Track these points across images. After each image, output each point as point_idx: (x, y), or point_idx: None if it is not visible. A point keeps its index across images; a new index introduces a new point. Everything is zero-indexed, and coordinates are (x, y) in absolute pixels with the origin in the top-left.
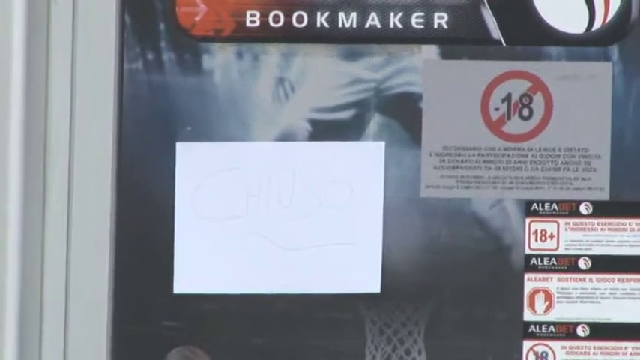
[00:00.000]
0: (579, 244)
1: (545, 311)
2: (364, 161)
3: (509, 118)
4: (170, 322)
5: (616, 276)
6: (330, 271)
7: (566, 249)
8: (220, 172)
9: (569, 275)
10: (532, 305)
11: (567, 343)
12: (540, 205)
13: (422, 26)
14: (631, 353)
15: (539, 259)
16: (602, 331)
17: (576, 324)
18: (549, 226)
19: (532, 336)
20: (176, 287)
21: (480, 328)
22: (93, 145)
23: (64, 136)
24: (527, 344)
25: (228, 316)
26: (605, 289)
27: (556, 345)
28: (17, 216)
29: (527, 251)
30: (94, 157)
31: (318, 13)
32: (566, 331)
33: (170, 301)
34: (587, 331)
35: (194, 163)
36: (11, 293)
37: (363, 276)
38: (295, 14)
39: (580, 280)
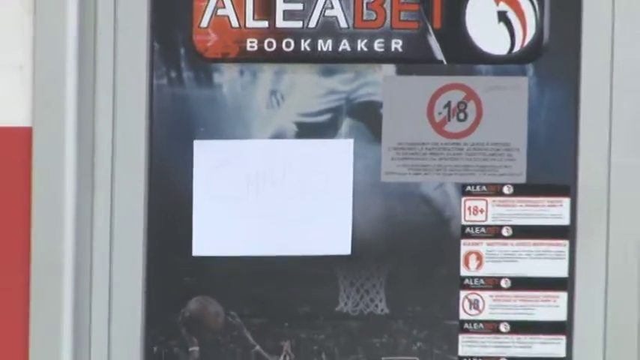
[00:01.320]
0: (503, 217)
1: (477, 268)
2: (337, 155)
3: (449, 120)
4: (190, 278)
5: (531, 241)
6: (311, 239)
7: (493, 220)
8: (227, 162)
9: (495, 241)
10: (467, 264)
11: (494, 293)
12: (473, 187)
13: (382, 49)
14: (542, 300)
15: (472, 229)
16: (520, 283)
17: (500, 278)
18: (480, 203)
19: (467, 287)
20: (195, 251)
21: (427, 281)
22: (130, 143)
23: (108, 136)
24: (463, 293)
25: (235, 273)
26: (523, 251)
27: (485, 294)
28: (72, 202)
29: (463, 222)
30: (131, 152)
31: (302, 40)
32: (492, 283)
33: (190, 262)
34: (509, 284)
35: (207, 156)
36: (68, 250)
37: (337, 242)
38: (284, 41)
39: (503, 244)
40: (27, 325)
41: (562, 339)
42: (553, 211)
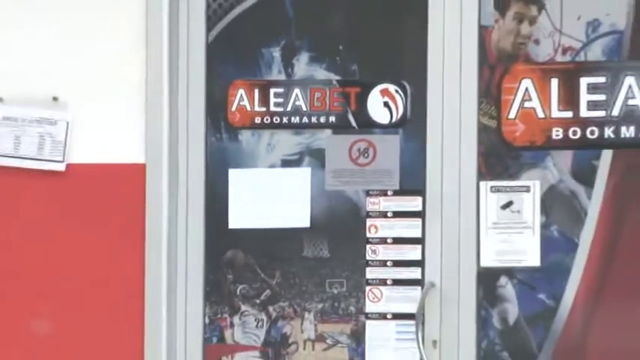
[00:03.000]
0: (387, 207)
1: (375, 233)
2: (302, 176)
3: (359, 157)
4: (227, 240)
5: (403, 219)
6: (290, 218)
7: (383, 209)
8: (250, 183)
9: (384, 219)
10: (369, 230)
11: (383, 245)
12: (372, 191)
13: (324, 120)
14: (408, 249)
15: (372, 212)
16: (398, 241)
17: (387, 238)
18: (375, 199)
19: (370, 242)
20: (230, 225)
21: (349, 240)
22: (195, 170)
23: (184, 164)
24: (368, 246)
25: (251, 236)
26: (399, 224)
27: (379, 247)
28: (166, 202)
29: (367, 209)
30: (196, 174)
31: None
32: (383, 242)
33: (228, 232)
34: (392, 240)
35: (240, 182)
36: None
37: (303, 220)
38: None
39: (388, 221)
40: (143, 296)
41: (419, 269)
42: (413, 203)
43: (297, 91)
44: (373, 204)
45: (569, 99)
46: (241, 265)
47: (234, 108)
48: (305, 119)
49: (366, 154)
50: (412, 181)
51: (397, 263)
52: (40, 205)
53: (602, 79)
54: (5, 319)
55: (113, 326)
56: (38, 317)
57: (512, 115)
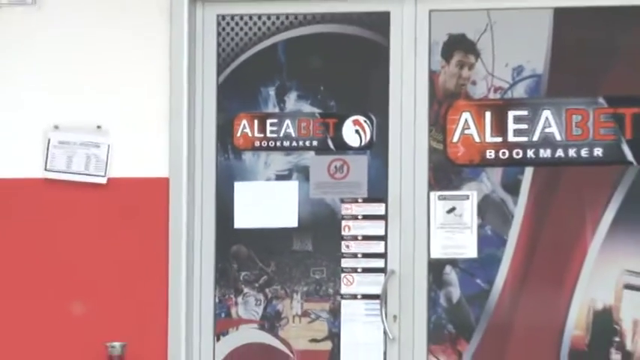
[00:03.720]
0: (358, 211)
1: (348, 231)
2: (291, 188)
3: (336, 173)
4: (233, 237)
5: (370, 221)
6: (282, 219)
7: (355, 212)
8: (252, 193)
9: (356, 220)
10: (344, 230)
11: (355, 241)
12: (346, 199)
13: (308, 144)
14: (373, 245)
15: (346, 215)
16: (366, 237)
17: (357, 235)
18: (349, 205)
19: (344, 239)
20: (235, 225)
21: (328, 237)
22: (208, 182)
23: (199, 178)
24: (342, 242)
25: (252, 235)
26: (367, 224)
27: (351, 242)
28: (185, 208)
29: (342, 214)
30: (209, 186)
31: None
32: (355, 238)
33: (234, 231)
34: (362, 237)
35: (245, 193)
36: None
37: (292, 221)
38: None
39: (359, 222)
40: (167, 282)
41: (382, 260)
42: (378, 208)
43: (287, 121)
44: (347, 209)
45: (499, 127)
46: (244, 257)
47: (238, 134)
48: (294, 143)
49: (341, 170)
50: (377, 191)
51: (365, 255)
52: (87, 210)
53: (524, 112)
54: (65, 294)
55: (144, 305)
56: (88, 295)
57: (455, 139)
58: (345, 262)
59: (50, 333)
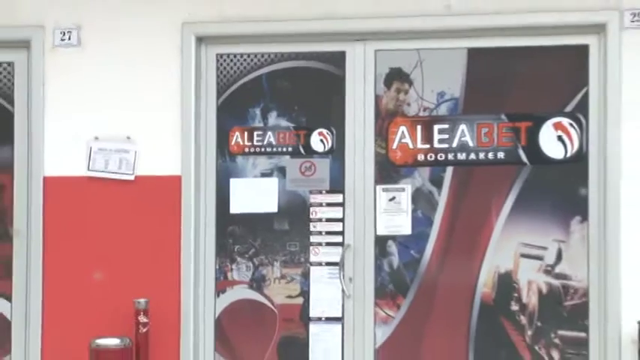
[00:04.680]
0: (322, 199)
1: (315, 215)
2: (273, 183)
3: (305, 171)
4: (229, 220)
5: (332, 207)
6: (264, 206)
7: (320, 201)
8: (243, 187)
9: (321, 207)
10: (311, 215)
11: (321, 222)
12: (314, 190)
13: (285, 150)
14: (334, 227)
15: (314, 204)
16: (329, 219)
17: (322, 218)
18: (317, 195)
19: (312, 221)
20: (231, 210)
21: (300, 220)
22: (211, 179)
23: (204, 176)
24: (310, 223)
25: (245, 218)
26: (331, 210)
27: (318, 224)
28: (193, 198)
29: (310, 202)
30: (211, 181)
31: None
32: (319, 219)
33: (230, 215)
34: (325, 220)
35: (238, 187)
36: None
37: (272, 207)
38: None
39: (325, 207)
40: (179, 255)
41: (340, 237)
42: (337, 198)
43: (269, 133)
44: (314, 198)
45: (427, 137)
46: (237, 235)
47: (233, 143)
48: (274, 149)
49: (309, 170)
50: (336, 185)
51: (328, 233)
52: (119, 200)
53: (446, 126)
54: (104, 263)
55: (162, 271)
56: (121, 264)
57: (394, 146)
58: (313, 238)
59: (94, 292)
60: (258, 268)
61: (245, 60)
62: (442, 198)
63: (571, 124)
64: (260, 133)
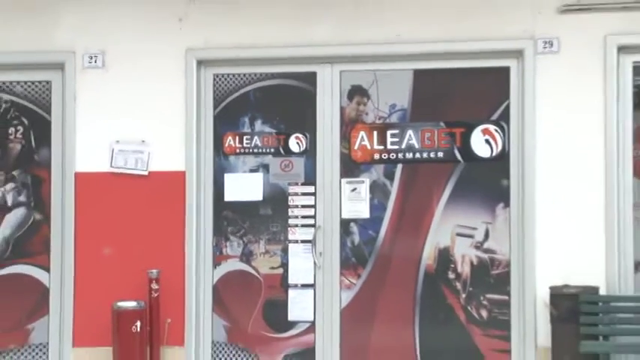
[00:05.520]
0: (298, 189)
1: (293, 203)
2: (258, 177)
3: (285, 168)
4: (224, 205)
5: (306, 195)
6: (251, 194)
7: (297, 191)
8: (235, 180)
9: (297, 195)
10: (289, 203)
11: (298, 209)
12: (291, 182)
13: (268, 151)
14: (306, 212)
15: (291, 194)
16: (304, 206)
17: (298, 204)
18: (294, 186)
19: (291, 207)
20: (225, 198)
21: (281, 207)
22: (209, 174)
23: (203, 171)
24: (289, 209)
25: (238, 204)
26: (305, 199)
27: (295, 209)
28: (195, 190)
29: (288, 192)
30: (209, 176)
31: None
32: (297, 206)
33: (224, 202)
34: (301, 206)
35: (231, 180)
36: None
37: (257, 195)
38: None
39: (299, 197)
40: (184, 234)
41: (313, 219)
42: (310, 188)
43: (256, 137)
44: (292, 189)
45: (382, 140)
46: (230, 218)
47: (226, 145)
48: (260, 150)
49: (288, 167)
50: (309, 178)
51: (303, 217)
52: (136, 191)
53: (396, 131)
54: (124, 242)
55: (170, 247)
56: (137, 242)
57: (356, 147)
58: (291, 221)
59: (115, 264)
60: (247, 245)
61: (236, 79)
62: (394, 189)
63: (496, 130)
64: (248, 137)
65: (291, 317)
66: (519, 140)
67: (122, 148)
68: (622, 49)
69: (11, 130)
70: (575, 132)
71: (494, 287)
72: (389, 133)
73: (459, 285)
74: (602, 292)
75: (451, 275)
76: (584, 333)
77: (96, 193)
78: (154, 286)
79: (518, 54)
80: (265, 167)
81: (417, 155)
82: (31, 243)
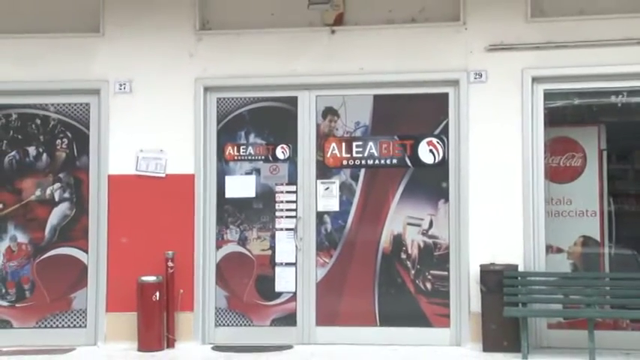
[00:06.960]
0: (282, 188)
1: (280, 200)
2: (251, 179)
3: (273, 171)
4: (225, 200)
5: (289, 194)
6: (245, 191)
7: (282, 189)
8: (233, 181)
9: (283, 194)
10: (276, 200)
11: (284, 203)
12: (278, 182)
13: (259, 158)
14: (289, 207)
15: (278, 191)
16: (288, 203)
17: (284, 200)
18: (280, 187)
19: (277, 202)
20: (226, 195)
21: (269, 203)
22: (213, 177)
23: (209, 174)
24: (276, 204)
25: (238, 200)
26: (291, 195)
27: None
28: (202, 189)
29: (275, 190)
30: (213, 178)
31: (363, 160)
32: (284, 201)
33: (225, 199)
34: (288, 204)
35: (230, 181)
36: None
37: (250, 193)
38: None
39: (278, 196)
40: (193, 225)
41: (295, 212)
42: (292, 187)
43: (250, 147)
44: (278, 188)
45: (349, 150)
46: (230, 211)
47: (227, 153)
48: (253, 157)
49: (276, 170)
50: (292, 180)
51: (287, 210)
52: (155, 190)
53: (360, 143)
54: (146, 231)
55: (183, 234)
56: (156, 231)
57: (328, 155)
58: (278, 213)
59: (139, 247)
60: (243, 232)
61: (234, 101)
62: (358, 188)
63: (438, 142)
64: (244, 147)
65: (277, 289)
66: (456, 150)
67: (145, 155)
68: (535, 80)
69: (58, 141)
70: (500, 144)
71: (437, 265)
72: (354, 144)
73: (409, 263)
74: (521, 269)
75: (403, 256)
76: (507, 301)
77: (124, 191)
78: (170, 264)
79: (455, 83)
80: (257, 171)
81: (377, 162)
82: (73, 230)
